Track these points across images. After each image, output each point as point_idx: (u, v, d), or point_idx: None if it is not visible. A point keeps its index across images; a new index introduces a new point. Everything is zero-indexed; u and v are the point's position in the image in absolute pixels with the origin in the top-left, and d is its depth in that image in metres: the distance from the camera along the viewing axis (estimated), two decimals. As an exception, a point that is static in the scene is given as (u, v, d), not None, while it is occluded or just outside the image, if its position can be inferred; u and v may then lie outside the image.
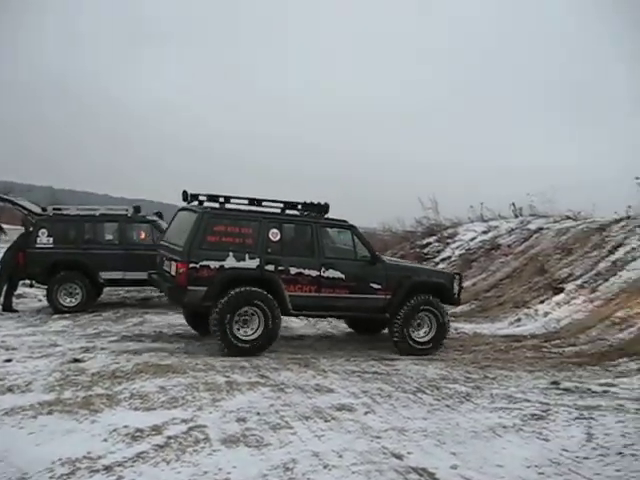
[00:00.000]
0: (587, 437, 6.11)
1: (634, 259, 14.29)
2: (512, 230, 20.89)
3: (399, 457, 5.54)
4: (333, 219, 10.28)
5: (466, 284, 17.99)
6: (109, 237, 13.88)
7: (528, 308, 14.34)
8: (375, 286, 10.10)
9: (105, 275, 13.36)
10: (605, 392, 8.05)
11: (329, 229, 10.26)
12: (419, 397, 7.50)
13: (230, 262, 9.22)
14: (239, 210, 9.75)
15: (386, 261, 10.68)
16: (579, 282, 14.56)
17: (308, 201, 10.21)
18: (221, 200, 9.68)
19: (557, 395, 7.79)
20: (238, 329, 9.28)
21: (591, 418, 6.71)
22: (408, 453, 5.64)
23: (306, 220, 10.05)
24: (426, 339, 10.40)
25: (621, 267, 14.29)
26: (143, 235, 13.94)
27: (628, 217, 17.07)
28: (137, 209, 14.04)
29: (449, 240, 22.30)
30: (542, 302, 14.42)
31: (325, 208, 10.11)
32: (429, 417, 6.74)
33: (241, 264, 9.28)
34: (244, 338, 9.29)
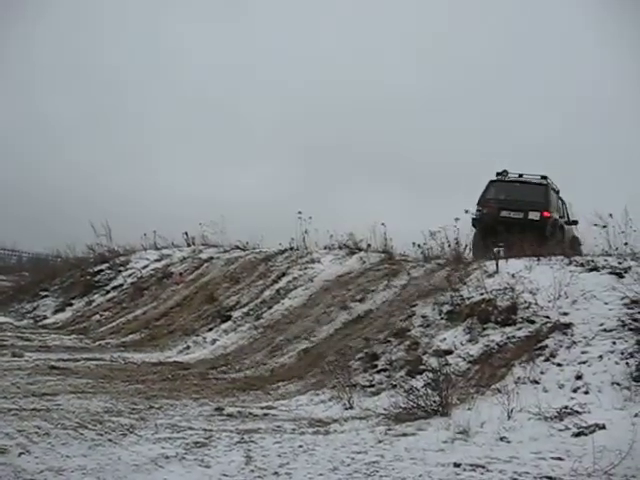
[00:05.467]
0: (246, 460, 6.30)
1: (295, 287, 15.33)
2: (184, 259, 21.18)
3: (53, 500, 5.18)
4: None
5: (137, 313, 17.84)
6: None
7: (197, 336, 14.59)
8: None
9: None
10: (266, 415, 8.44)
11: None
12: (80, 433, 7.11)
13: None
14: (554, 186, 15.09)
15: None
16: (245, 310, 15.22)
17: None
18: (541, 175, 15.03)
19: (220, 421, 7.95)
20: None
21: (251, 441, 6.95)
22: (64, 494, 5.30)
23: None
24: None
25: (284, 295, 15.24)
26: None
27: (291, 248, 18.28)
28: None
29: (121, 268, 21.87)
30: (210, 330, 14.77)
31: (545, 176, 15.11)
32: (90, 453, 6.41)
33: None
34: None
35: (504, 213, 14.31)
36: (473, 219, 14.78)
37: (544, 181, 14.84)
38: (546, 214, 13.87)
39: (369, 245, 16.48)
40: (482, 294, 10.80)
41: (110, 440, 6.90)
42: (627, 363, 7.87)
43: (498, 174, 15.13)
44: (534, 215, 13.98)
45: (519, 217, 14.17)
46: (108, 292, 20.32)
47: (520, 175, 14.99)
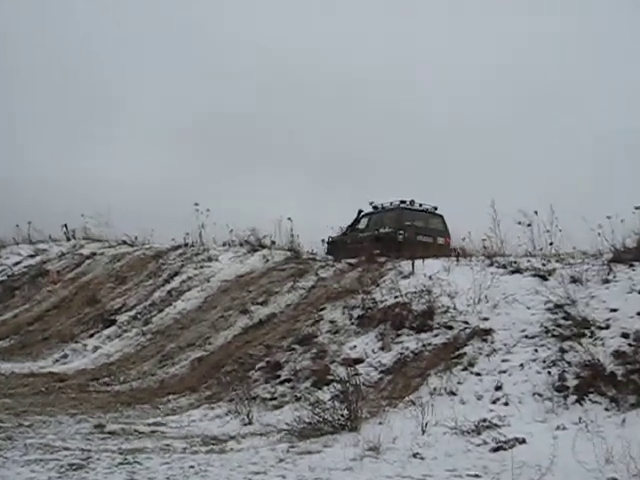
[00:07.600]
0: (130, 484, 6.08)
1: (189, 288, 15.08)
2: (63, 255, 20.62)
3: None
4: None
5: (6, 316, 17.20)
6: None
7: (76, 343, 14.18)
8: None
9: None
10: (153, 432, 8.19)
11: None
12: None
13: None
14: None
15: None
16: (132, 313, 14.89)
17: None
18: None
19: (101, 440, 7.66)
20: None
21: (136, 462, 6.70)
22: None
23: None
24: None
25: (176, 297, 14.99)
26: None
27: (186, 244, 17.99)
28: None
29: (-11, 265, 21.12)
30: (92, 336, 14.39)
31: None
32: (-56, 480, 6.04)
33: None
34: None
35: (419, 237, 17.89)
36: (389, 235, 17.55)
37: (440, 212, 19.34)
38: (448, 240, 18.16)
39: (273, 242, 16.43)
40: (396, 297, 10.88)
41: (-30, 464, 6.54)
42: (549, 372, 8.05)
43: (402, 202, 18.80)
44: (441, 240, 18.31)
45: (430, 241, 18.03)
46: (-31, 292, 19.55)
47: (420, 205, 19.05)
